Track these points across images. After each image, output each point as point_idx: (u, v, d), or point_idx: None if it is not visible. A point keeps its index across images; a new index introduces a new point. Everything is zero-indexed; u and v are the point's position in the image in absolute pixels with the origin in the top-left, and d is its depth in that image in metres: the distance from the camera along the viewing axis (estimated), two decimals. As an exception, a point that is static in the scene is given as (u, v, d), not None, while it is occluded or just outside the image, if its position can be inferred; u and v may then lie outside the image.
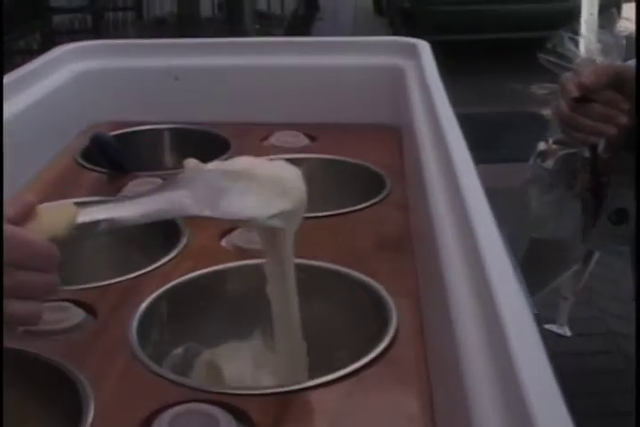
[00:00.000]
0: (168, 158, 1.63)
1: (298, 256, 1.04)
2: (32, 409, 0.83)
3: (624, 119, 1.11)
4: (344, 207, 1.21)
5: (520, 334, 0.58)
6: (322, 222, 1.16)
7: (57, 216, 0.67)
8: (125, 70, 1.65)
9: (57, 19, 6.13)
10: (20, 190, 1.26)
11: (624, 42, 1.18)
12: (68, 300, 0.94)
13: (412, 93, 1.37)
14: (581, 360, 2.40)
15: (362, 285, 0.99)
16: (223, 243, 1.11)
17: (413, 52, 1.55)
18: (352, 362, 0.82)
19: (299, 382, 0.81)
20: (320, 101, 1.62)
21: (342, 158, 1.43)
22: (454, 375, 0.64)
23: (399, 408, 0.78)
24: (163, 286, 0.98)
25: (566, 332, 2.38)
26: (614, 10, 1.25)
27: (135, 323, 0.90)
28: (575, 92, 1.11)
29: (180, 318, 0.98)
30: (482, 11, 6.78)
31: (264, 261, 0.85)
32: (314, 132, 1.56)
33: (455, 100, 1.18)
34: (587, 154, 1.23)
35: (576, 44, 1.19)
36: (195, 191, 0.76)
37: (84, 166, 1.43)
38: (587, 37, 1.22)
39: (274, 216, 0.78)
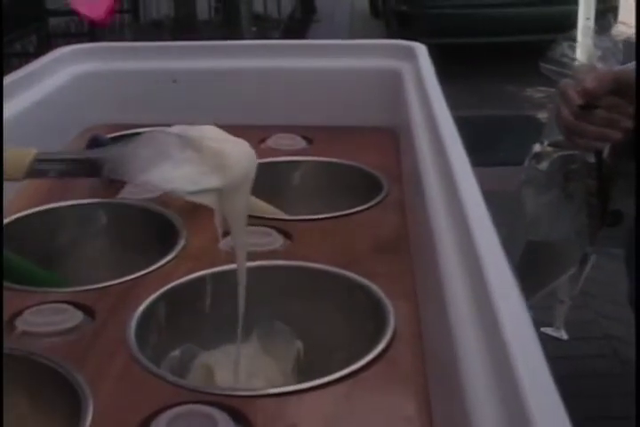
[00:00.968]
0: (165, 160, 1.63)
1: (296, 258, 1.06)
2: (30, 410, 0.83)
3: (628, 123, 1.11)
4: (341, 210, 1.21)
5: (518, 336, 0.58)
6: (319, 225, 1.17)
7: (15, 159, 0.68)
8: (123, 73, 1.65)
9: (53, 21, 6.11)
10: (18, 192, 1.26)
11: (621, 46, 1.19)
12: (66, 301, 0.94)
13: (410, 96, 1.37)
14: (578, 363, 2.40)
15: (359, 287, 0.99)
16: (222, 245, 1.11)
17: (410, 55, 1.55)
18: (350, 364, 0.82)
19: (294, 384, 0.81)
20: (317, 104, 1.62)
21: (339, 161, 1.43)
22: (452, 377, 0.64)
23: (396, 410, 0.78)
24: (161, 287, 0.98)
25: (563, 335, 2.38)
26: (611, 15, 1.25)
27: (134, 324, 0.90)
28: (579, 100, 1.11)
29: (178, 319, 0.99)
30: (479, 14, 6.78)
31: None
32: (311, 135, 1.56)
33: (452, 103, 1.19)
34: (591, 160, 1.22)
35: (575, 51, 1.20)
36: (140, 152, 0.75)
37: (82, 168, 1.43)
38: (584, 44, 1.22)
39: (199, 192, 0.77)
